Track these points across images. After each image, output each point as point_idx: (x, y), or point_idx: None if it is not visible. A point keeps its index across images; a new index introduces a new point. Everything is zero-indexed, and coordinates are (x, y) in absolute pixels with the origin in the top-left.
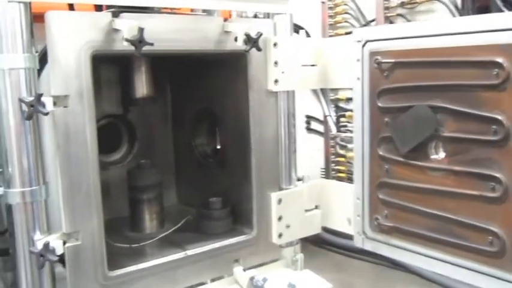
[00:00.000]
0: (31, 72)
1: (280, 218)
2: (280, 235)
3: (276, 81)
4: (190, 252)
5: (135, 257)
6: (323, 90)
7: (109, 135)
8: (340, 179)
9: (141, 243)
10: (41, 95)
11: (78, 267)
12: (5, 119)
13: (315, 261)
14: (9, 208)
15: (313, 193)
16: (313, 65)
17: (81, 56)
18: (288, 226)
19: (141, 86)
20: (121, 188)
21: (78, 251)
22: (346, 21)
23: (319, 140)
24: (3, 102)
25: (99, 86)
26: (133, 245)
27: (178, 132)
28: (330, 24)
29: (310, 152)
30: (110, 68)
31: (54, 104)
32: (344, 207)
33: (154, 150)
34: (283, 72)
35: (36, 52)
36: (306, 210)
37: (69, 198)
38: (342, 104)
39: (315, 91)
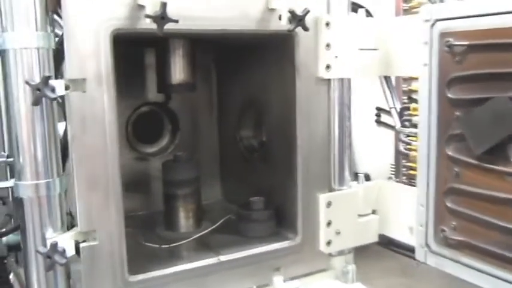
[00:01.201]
0: (45, 52)
1: (329, 223)
2: (328, 242)
3: (328, 66)
4: (223, 257)
5: (163, 260)
6: (388, 79)
7: (150, 124)
8: (411, 177)
9: (172, 244)
10: (48, 77)
11: (95, 270)
12: (15, 103)
13: (380, 263)
14: (19, 202)
15: (370, 196)
16: (373, 49)
17: (100, 35)
18: (338, 233)
19: (178, 71)
20: (161, 181)
21: (94, 252)
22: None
23: (391, 134)
24: (13, 86)
25: (141, 71)
26: (164, 246)
27: (224, 122)
28: (405, 10)
29: (380, 147)
30: (151, 51)
31: (67, 88)
32: (406, 214)
33: (198, 141)
34: (336, 57)
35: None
36: (361, 215)
37: (85, 193)
38: (415, 96)
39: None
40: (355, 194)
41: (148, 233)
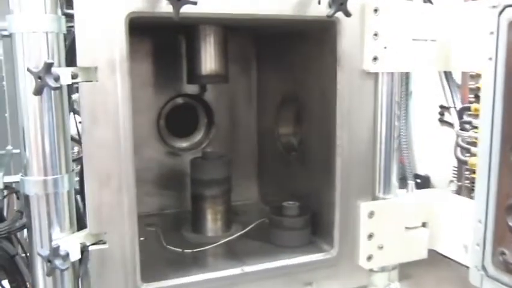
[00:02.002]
0: (54, 37)
1: (370, 236)
2: (369, 257)
3: (375, 58)
4: (248, 268)
5: (182, 266)
6: (448, 74)
7: (184, 117)
8: (474, 181)
9: (195, 249)
10: (50, 64)
11: (104, 276)
12: (22, 92)
13: (435, 272)
14: (26, 198)
15: (421, 206)
16: (430, 40)
17: (115, 20)
18: (380, 247)
19: (208, 61)
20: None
21: (104, 256)
22: None
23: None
24: (20, 73)
25: (175, 60)
26: (186, 250)
27: (264, 118)
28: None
29: (444, 148)
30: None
31: (74, 77)
32: (461, 230)
33: (235, 137)
34: (385, 48)
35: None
36: (408, 228)
37: (95, 191)
38: None
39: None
40: (402, 203)
41: (173, 234)
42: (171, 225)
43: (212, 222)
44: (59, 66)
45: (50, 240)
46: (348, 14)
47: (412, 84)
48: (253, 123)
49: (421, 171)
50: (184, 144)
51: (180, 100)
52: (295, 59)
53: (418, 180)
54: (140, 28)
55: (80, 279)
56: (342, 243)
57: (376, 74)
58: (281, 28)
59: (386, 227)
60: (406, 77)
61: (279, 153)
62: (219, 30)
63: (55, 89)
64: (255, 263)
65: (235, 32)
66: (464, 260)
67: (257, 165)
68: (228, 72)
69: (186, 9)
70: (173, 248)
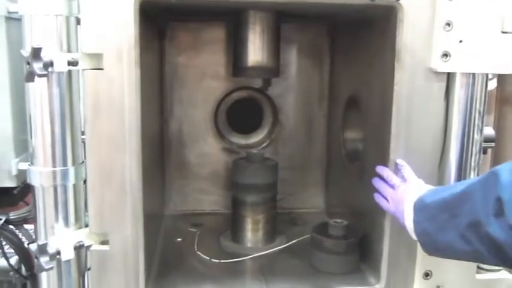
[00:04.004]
0: (63, 20)
1: (428, 275)
2: None
3: (446, 55)
4: None
5: (198, 277)
6: None
7: (246, 112)
8: None
9: (223, 260)
10: (38, 49)
11: (104, 279)
12: None
13: None
14: (32, 189)
15: None
16: None
17: (124, 4)
18: None
19: (254, 51)
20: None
21: (104, 259)
22: None
23: None
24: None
25: None
26: (214, 260)
27: (333, 119)
28: None
29: None
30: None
31: (74, 64)
32: None
33: (302, 139)
34: (461, 42)
35: None
36: (482, 269)
37: (96, 187)
38: None
39: None
40: None
41: (211, 239)
42: (216, 228)
43: (252, 232)
44: (68, 51)
45: (53, 234)
46: None
47: None
48: (322, 124)
49: None
50: (243, 141)
51: (242, 94)
52: (360, 54)
53: None
54: (201, 15)
55: (86, 277)
56: (390, 277)
57: (450, 74)
58: (345, 17)
59: (449, 265)
60: None
61: (343, 160)
62: (268, 17)
63: (42, 76)
64: (279, 286)
65: (309, 21)
66: None
67: (325, 172)
68: (279, 65)
69: None
70: (202, 255)
